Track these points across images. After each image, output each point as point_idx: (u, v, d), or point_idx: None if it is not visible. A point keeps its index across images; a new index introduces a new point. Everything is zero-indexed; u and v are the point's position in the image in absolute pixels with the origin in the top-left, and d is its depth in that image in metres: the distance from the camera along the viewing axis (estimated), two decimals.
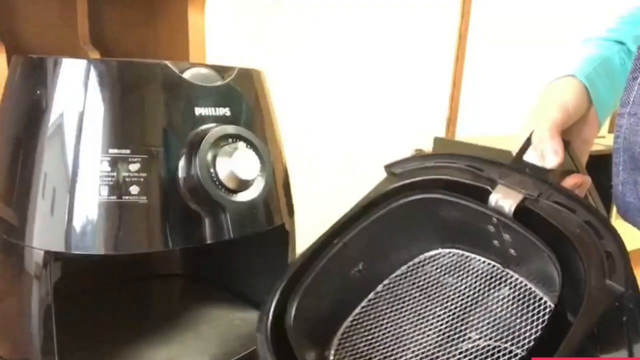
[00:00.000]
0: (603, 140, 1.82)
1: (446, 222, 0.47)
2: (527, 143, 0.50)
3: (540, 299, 0.41)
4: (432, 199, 0.46)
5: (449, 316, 0.45)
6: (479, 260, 0.47)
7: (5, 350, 0.53)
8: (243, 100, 0.54)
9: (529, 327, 0.40)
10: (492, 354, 0.40)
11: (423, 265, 0.49)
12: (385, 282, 0.49)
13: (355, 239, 0.47)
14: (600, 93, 0.56)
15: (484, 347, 0.41)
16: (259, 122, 0.56)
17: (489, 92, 1.75)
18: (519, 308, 0.42)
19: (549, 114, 0.51)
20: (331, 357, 0.45)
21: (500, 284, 0.45)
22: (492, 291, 0.45)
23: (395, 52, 1.49)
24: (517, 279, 0.44)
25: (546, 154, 0.48)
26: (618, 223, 0.49)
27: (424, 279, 0.48)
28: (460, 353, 0.41)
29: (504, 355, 0.40)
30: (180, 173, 0.48)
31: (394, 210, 0.48)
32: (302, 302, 0.43)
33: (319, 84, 1.37)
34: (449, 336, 0.43)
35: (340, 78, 1.40)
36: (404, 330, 0.45)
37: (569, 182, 0.51)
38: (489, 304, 0.44)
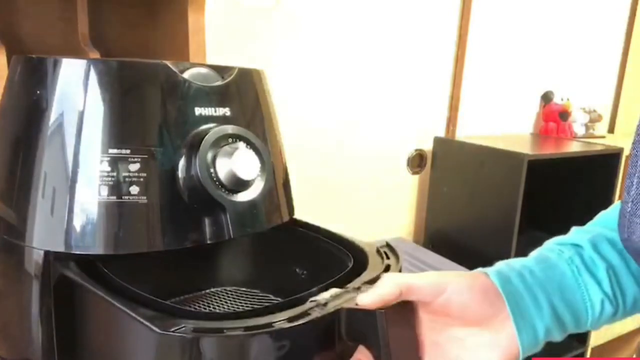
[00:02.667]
0: (602, 140, 1.82)
1: None
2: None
3: None
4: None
5: None
6: None
7: (5, 350, 0.53)
8: (243, 100, 0.54)
9: None
10: None
11: None
12: None
13: None
14: (524, 301, 0.42)
15: None
16: (259, 122, 0.56)
17: (489, 91, 1.74)
18: None
19: (417, 274, 0.43)
20: None
21: None
22: None
23: (395, 52, 1.49)
24: None
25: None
26: None
27: None
28: None
29: None
30: (180, 173, 0.48)
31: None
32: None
33: (319, 84, 1.37)
34: None
35: (340, 78, 1.40)
36: None
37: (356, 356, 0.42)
38: None
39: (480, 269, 0.45)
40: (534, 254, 0.48)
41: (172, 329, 0.37)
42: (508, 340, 0.42)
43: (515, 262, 0.46)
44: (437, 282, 0.42)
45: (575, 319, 0.44)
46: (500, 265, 0.45)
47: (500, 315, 0.42)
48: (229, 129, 0.50)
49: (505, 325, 0.42)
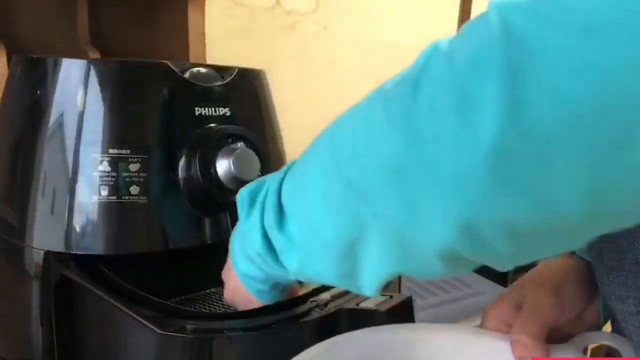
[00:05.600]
0: None
1: None
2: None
3: None
4: None
5: None
6: None
7: (5, 350, 0.53)
8: (243, 100, 0.54)
9: None
10: None
11: None
12: None
13: None
14: None
15: None
16: (259, 122, 0.56)
17: None
18: None
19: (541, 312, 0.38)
20: None
21: None
22: None
23: (396, 52, 1.49)
24: None
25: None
26: None
27: None
28: None
29: None
30: (180, 173, 0.48)
31: None
32: None
33: (319, 83, 1.37)
34: None
35: (340, 77, 1.40)
36: None
37: None
38: None
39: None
40: None
41: (172, 329, 0.38)
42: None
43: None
44: (561, 305, 0.39)
45: None
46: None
47: (592, 303, 0.41)
48: (229, 129, 0.50)
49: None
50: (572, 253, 0.43)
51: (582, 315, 0.40)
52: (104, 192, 0.45)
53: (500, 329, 0.38)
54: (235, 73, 0.53)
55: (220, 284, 0.46)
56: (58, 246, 0.46)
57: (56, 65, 0.47)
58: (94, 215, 0.46)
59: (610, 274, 0.35)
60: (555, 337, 0.38)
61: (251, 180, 0.50)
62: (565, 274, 0.41)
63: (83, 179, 0.45)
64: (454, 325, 0.39)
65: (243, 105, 0.54)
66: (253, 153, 0.51)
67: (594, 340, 0.39)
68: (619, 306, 0.35)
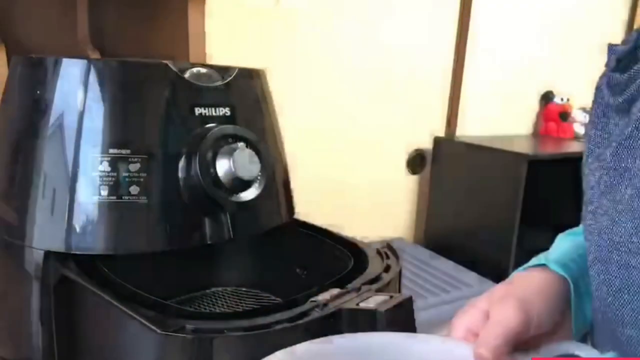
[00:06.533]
0: None
1: None
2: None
3: None
4: None
5: None
6: None
7: (5, 350, 0.53)
8: (243, 100, 0.54)
9: None
10: None
11: None
12: None
13: None
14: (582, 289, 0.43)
15: None
16: (259, 122, 0.56)
17: (489, 91, 1.74)
18: None
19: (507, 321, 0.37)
20: None
21: None
22: None
23: (396, 52, 1.49)
24: None
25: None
26: None
27: None
28: None
29: None
30: (180, 173, 0.48)
31: None
32: None
33: (319, 83, 1.37)
34: None
35: (340, 77, 1.40)
36: None
37: None
38: None
39: (551, 269, 0.43)
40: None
41: (173, 330, 0.37)
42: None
43: (570, 254, 0.45)
44: (527, 319, 0.38)
45: None
46: (567, 263, 0.44)
47: (564, 320, 0.42)
48: (229, 129, 0.50)
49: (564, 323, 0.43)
50: (545, 266, 0.43)
51: (553, 332, 0.41)
52: (104, 192, 0.45)
53: (467, 338, 0.38)
54: (235, 73, 0.53)
55: (219, 284, 0.46)
56: (58, 246, 0.46)
57: (56, 65, 0.47)
58: (94, 215, 0.46)
59: None
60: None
61: (251, 180, 0.50)
62: (536, 288, 0.41)
63: (83, 178, 0.45)
64: (422, 335, 0.38)
65: (243, 105, 0.54)
66: (253, 153, 0.51)
67: (560, 351, 0.39)
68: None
